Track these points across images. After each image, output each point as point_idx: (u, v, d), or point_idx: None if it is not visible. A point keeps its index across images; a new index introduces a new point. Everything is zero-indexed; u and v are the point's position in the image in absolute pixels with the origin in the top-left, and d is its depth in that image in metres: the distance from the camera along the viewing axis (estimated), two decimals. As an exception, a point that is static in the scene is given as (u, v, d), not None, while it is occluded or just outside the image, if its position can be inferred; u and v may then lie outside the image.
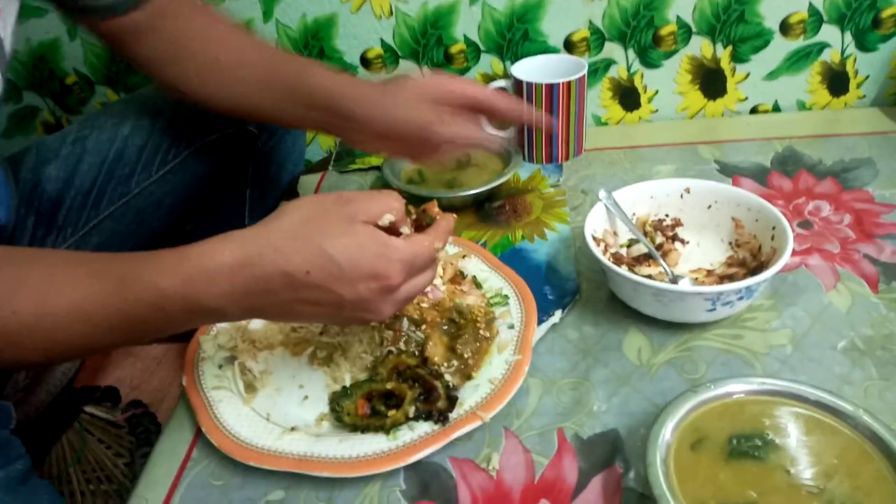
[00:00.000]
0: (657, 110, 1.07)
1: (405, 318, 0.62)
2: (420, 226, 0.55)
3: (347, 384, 0.61)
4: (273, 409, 0.60)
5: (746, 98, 1.05)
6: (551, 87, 0.90)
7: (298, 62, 0.73)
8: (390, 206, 0.51)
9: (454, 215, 0.57)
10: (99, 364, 1.13)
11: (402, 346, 0.62)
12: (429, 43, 1.03)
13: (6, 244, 0.75)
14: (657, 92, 1.05)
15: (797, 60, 1.01)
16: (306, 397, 0.62)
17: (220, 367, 0.64)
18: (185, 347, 0.67)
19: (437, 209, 0.56)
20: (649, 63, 1.02)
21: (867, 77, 1.02)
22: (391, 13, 1.00)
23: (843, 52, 1.00)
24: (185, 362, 0.65)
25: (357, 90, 0.69)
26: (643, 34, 1.00)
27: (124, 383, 1.09)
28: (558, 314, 0.67)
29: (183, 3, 0.72)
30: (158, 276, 0.47)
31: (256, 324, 0.70)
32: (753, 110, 1.06)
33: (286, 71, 0.71)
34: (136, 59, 0.72)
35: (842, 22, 0.97)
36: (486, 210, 0.88)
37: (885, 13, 0.96)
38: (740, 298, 0.61)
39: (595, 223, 0.70)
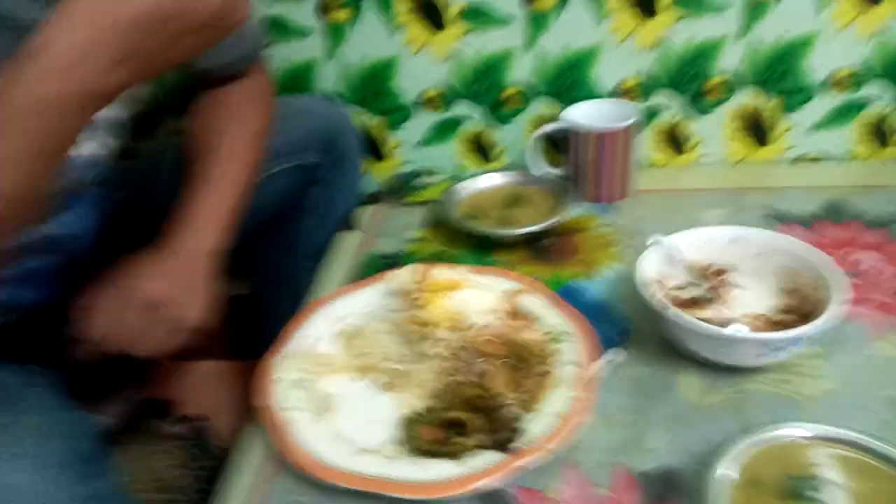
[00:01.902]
0: (704, 155, 1.10)
1: (470, 349, 0.66)
2: None
3: (414, 410, 0.65)
4: (343, 430, 0.64)
5: (793, 147, 1.08)
6: (603, 133, 0.94)
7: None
8: None
9: None
10: (151, 377, 1.17)
11: (466, 375, 0.65)
12: (484, 86, 1.08)
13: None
14: (705, 138, 1.09)
15: (843, 113, 1.03)
16: (374, 421, 0.65)
17: (292, 389, 0.68)
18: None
19: None
20: (698, 110, 1.06)
21: (912, 131, 1.04)
22: (450, 57, 1.06)
23: (888, 106, 1.02)
24: (257, 384, 0.69)
25: None
26: (693, 83, 1.03)
27: (177, 396, 1.13)
28: (616, 353, 0.70)
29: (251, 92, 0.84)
30: None
31: (324, 348, 0.74)
32: (799, 159, 1.09)
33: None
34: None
35: (888, 77, 1.00)
36: (538, 248, 0.92)
37: (932, 70, 0.99)
38: (792, 345, 0.63)
39: (649, 265, 0.73)
